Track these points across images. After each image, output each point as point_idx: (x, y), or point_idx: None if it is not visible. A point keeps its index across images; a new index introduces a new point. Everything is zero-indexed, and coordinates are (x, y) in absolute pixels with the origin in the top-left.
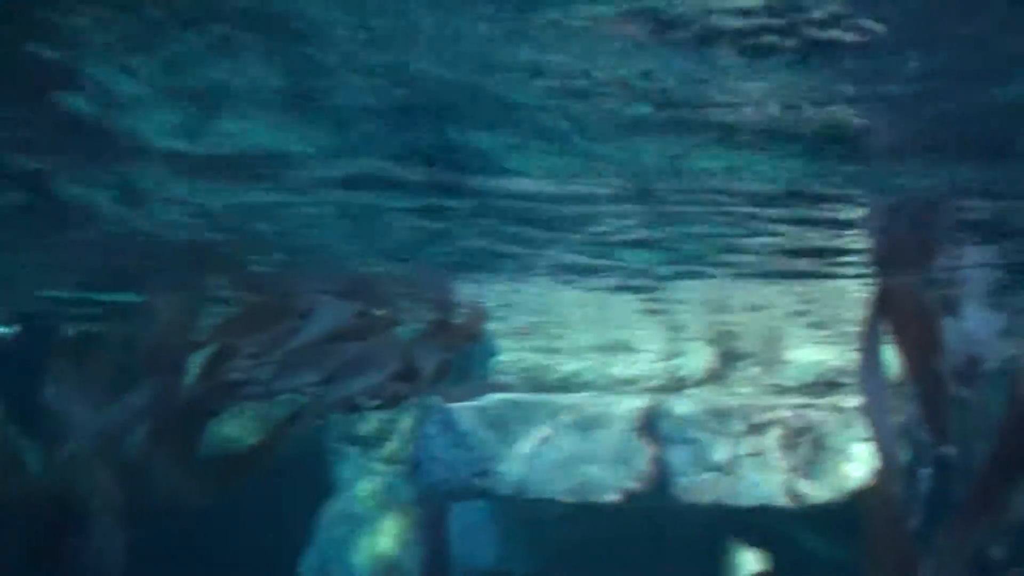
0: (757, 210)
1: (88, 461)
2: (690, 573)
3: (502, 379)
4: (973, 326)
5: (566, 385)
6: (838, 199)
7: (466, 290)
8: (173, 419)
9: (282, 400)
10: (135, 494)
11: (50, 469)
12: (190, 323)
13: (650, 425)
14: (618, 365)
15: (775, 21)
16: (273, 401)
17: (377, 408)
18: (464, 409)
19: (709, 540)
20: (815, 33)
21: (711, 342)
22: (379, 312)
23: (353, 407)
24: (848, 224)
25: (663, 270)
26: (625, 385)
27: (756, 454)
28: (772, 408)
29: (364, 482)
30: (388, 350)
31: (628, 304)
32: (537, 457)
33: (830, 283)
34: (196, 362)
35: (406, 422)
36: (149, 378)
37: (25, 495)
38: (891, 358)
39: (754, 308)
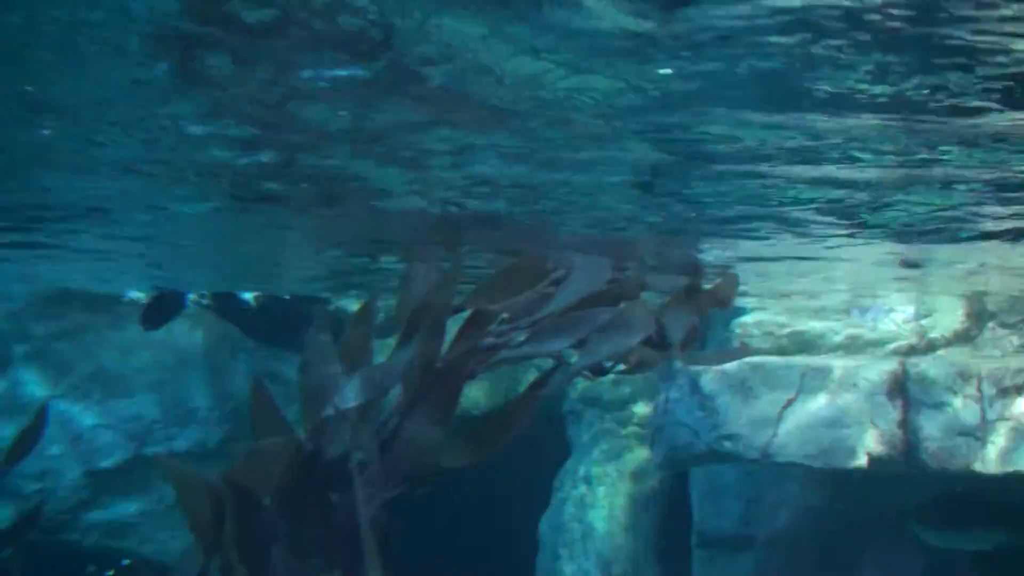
0: None
1: (347, 423)
2: (936, 540)
3: (747, 342)
4: None
5: (812, 347)
6: None
7: (714, 253)
8: (431, 382)
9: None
10: (393, 455)
11: (310, 431)
12: (449, 289)
13: (898, 388)
14: (866, 327)
15: None
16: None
17: (624, 372)
18: (708, 372)
19: (953, 507)
20: None
21: (961, 303)
22: (631, 277)
23: (602, 371)
24: None
25: (914, 229)
26: (873, 347)
27: (1007, 419)
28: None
29: (602, 444)
30: (640, 316)
31: (877, 264)
32: (782, 421)
33: None
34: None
35: (647, 385)
36: (407, 342)
37: (290, 457)
38: None
39: (1007, 269)
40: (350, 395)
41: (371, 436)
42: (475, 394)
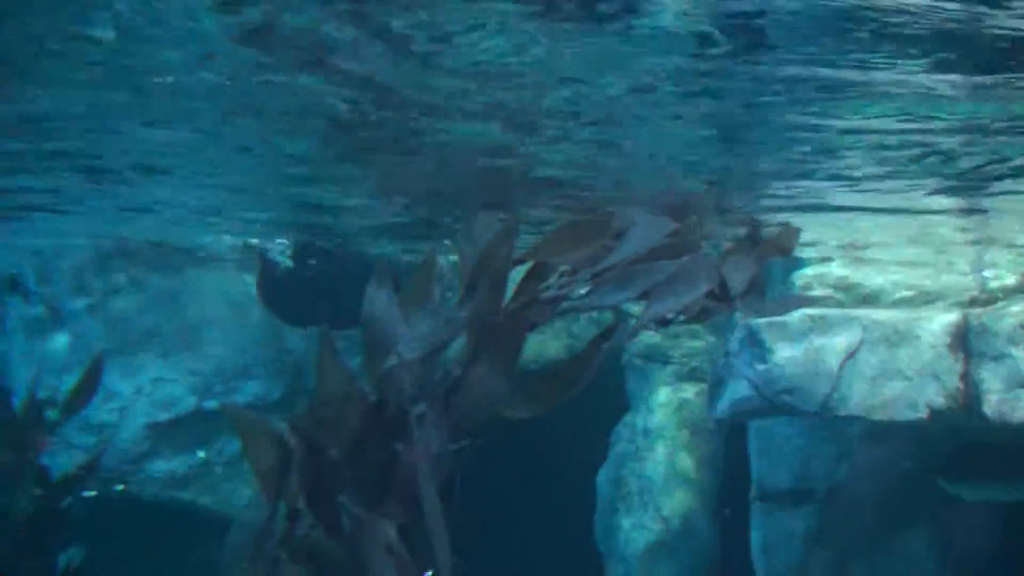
0: None
1: (410, 373)
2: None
3: (808, 294)
4: None
5: (874, 299)
6: None
7: (774, 203)
8: (493, 333)
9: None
10: (456, 405)
11: (374, 382)
12: (510, 240)
13: (960, 340)
14: (928, 278)
15: None
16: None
17: (685, 323)
18: (768, 324)
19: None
20: None
21: None
22: (692, 228)
23: (665, 323)
24: None
25: (975, 178)
26: (935, 299)
27: None
28: None
29: (661, 398)
30: (704, 267)
31: (940, 216)
32: (843, 374)
33: None
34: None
35: (704, 338)
36: (470, 293)
37: (355, 406)
38: None
39: None
40: (413, 345)
41: (434, 386)
42: (532, 348)
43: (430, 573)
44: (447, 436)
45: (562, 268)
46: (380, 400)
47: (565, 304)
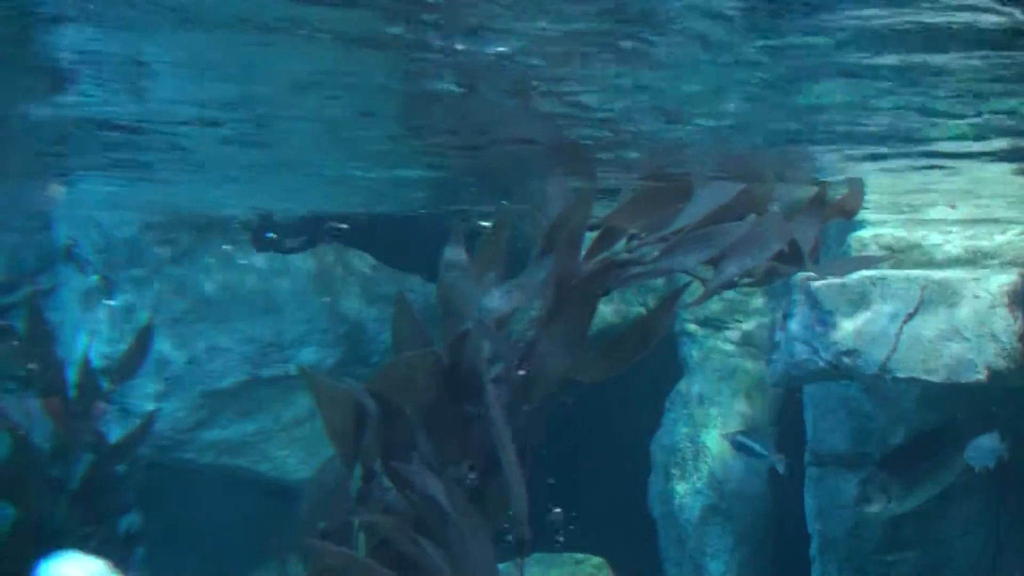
0: None
1: (485, 336)
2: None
3: (865, 254)
4: None
5: (931, 259)
6: None
7: (834, 164)
8: (567, 297)
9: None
10: (530, 368)
11: (448, 344)
12: (586, 205)
13: (1018, 299)
14: (985, 238)
15: None
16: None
17: (749, 285)
18: (825, 286)
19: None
20: None
21: None
22: (759, 190)
23: (730, 285)
24: None
25: None
26: (992, 259)
27: None
28: None
29: (715, 363)
30: (774, 228)
31: (997, 174)
32: (901, 336)
33: None
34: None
35: (758, 301)
36: (544, 258)
37: (429, 368)
38: None
39: None
40: (488, 308)
41: (508, 349)
42: None
43: None
44: (521, 398)
45: (632, 232)
46: (454, 363)
47: (636, 269)
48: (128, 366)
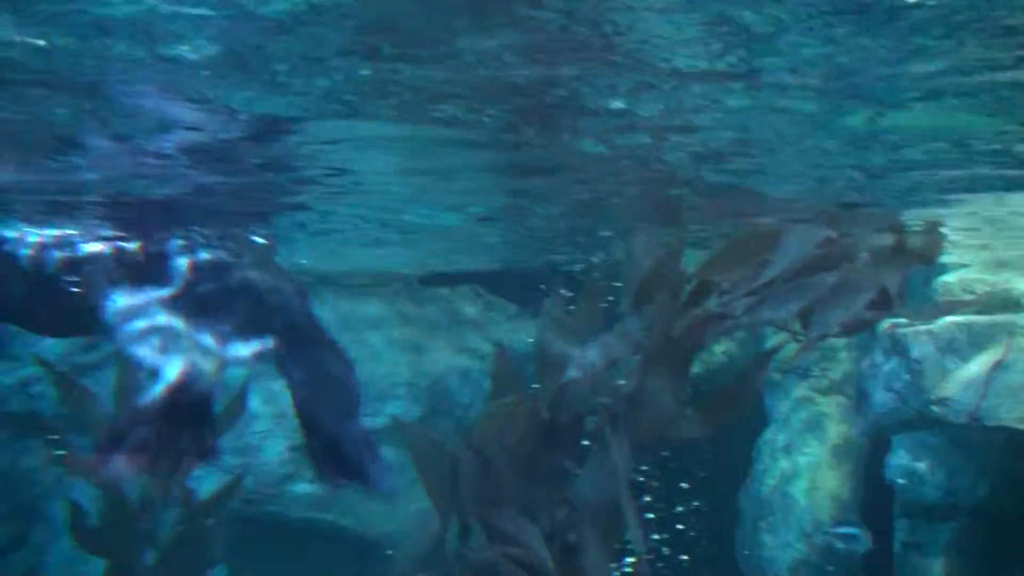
0: None
1: (583, 391)
2: None
3: (951, 300)
4: None
5: (1018, 304)
6: None
7: (916, 210)
8: (665, 350)
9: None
10: (629, 423)
11: (546, 398)
12: (679, 258)
13: None
14: None
15: None
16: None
17: (839, 336)
18: (912, 333)
19: None
20: None
21: None
22: (845, 238)
23: (822, 336)
24: None
25: None
26: None
27: None
28: None
29: (801, 413)
30: (864, 278)
31: None
32: (991, 382)
33: None
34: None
35: (844, 349)
36: (639, 312)
37: (526, 421)
38: None
39: None
40: (586, 362)
41: (606, 403)
42: None
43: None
44: (620, 452)
45: (724, 285)
46: (552, 416)
47: (729, 322)
48: (223, 422)
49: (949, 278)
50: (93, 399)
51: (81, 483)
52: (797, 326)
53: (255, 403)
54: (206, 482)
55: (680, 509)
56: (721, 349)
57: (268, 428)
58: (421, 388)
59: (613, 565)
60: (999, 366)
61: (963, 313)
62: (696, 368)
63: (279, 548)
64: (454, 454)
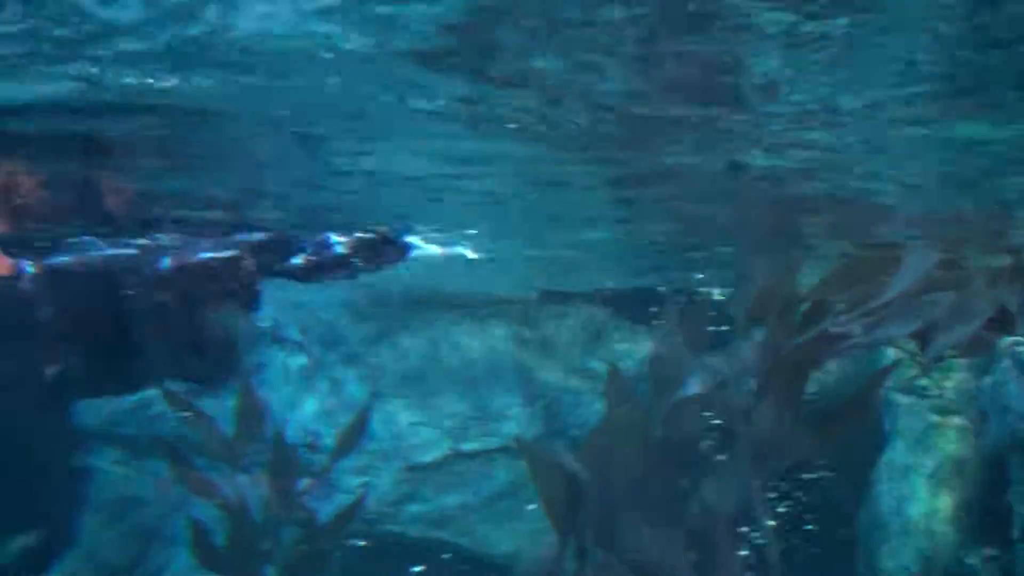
0: None
1: (698, 410)
2: None
3: None
4: None
5: None
6: None
7: None
8: (780, 370)
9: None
10: (745, 441)
11: (660, 418)
12: (794, 277)
13: None
14: None
15: None
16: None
17: (957, 356)
18: None
19: None
20: None
21: None
22: (963, 260)
23: (940, 358)
24: None
25: None
26: None
27: None
28: None
29: (919, 434)
30: (982, 297)
31: None
32: None
33: None
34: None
35: (960, 369)
36: (752, 330)
37: (642, 441)
38: None
39: None
40: (700, 381)
41: (722, 423)
42: None
43: None
44: (737, 471)
45: (844, 304)
46: (667, 435)
47: (846, 342)
48: (345, 444)
49: None
50: (211, 421)
51: (201, 503)
52: (913, 346)
53: (373, 424)
54: (326, 503)
55: (798, 530)
56: (833, 367)
57: (385, 448)
58: (535, 409)
59: None
60: None
61: None
62: (809, 386)
63: (396, 568)
64: (571, 473)
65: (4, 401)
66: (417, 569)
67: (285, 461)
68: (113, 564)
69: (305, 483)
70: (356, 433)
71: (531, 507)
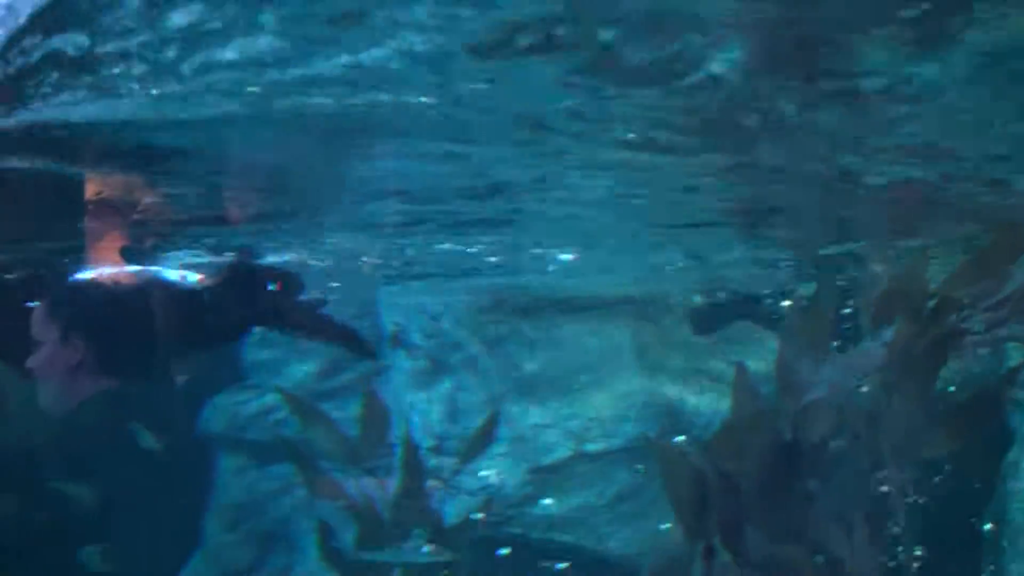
0: None
1: (826, 411)
2: None
3: None
4: None
5: None
6: None
7: None
8: (907, 369)
9: None
10: (874, 442)
11: (788, 419)
12: (923, 273)
13: None
14: None
15: None
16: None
17: None
18: None
19: None
20: None
21: None
22: None
23: None
24: None
25: None
26: None
27: None
28: None
29: None
30: None
31: None
32: None
33: None
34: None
35: None
36: (879, 327)
37: (769, 442)
38: None
39: None
40: (828, 381)
41: (851, 423)
42: None
43: None
44: (867, 472)
45: (971, 299)
46: (795, 437)
47: (975, 337)
48: (475, 446)
49: None
50: (334, 425)
51: (327, 506)
52: None
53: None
54: (450, 505)
55: (925, 530)
56: (957, 364)
57: (507, 451)
58: (657, 409)
59: None
60: None
61: None
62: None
63: (520, 569)
64: (700, 472)
65: (149, 404)
66: (542, 571)
67: (412, 463)
68: (237, 566)
69: (431, 485)
70: (487, 436)
71: (656, 507)
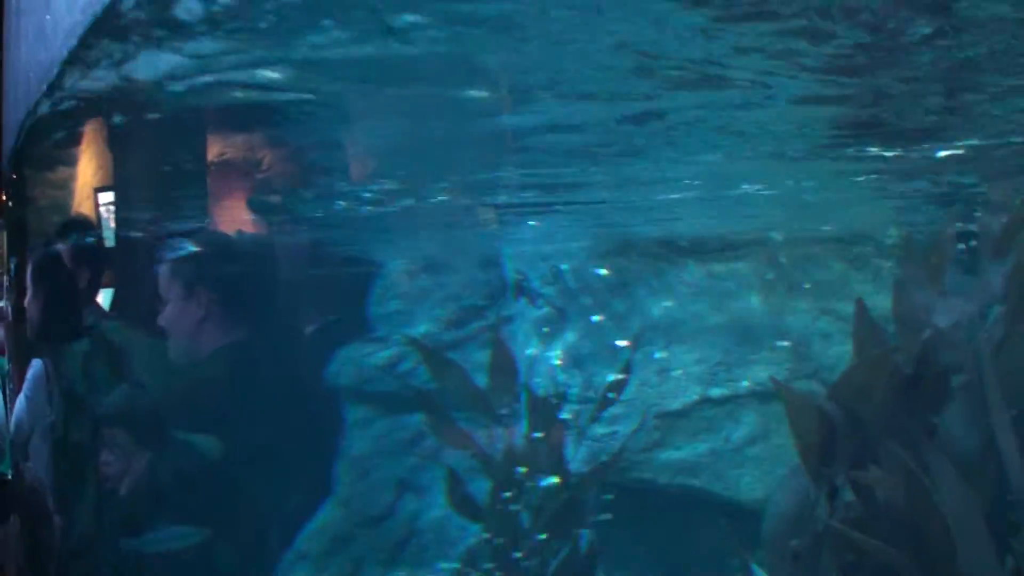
0: None
1: (946, 345)
2: None
3: None
4: None
5: None
6: None
7: None
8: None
9: None
10: (998, 374)
11: (908, 354)
12: None
13: None
14: None
15: None
16: None
17: None
18: None
19: None
20: None
21: None
22: None
23: None
24: None
25: None
26: None
27: None
28: None
29: None
30: None
31: None
32: None
33: None
34: None
35: None
36: (998, 260)
37: (891, 378)
38: None
39: None
40: (946, 316)
41: (973, 355)
42: None
43: None
44: (994, 406)
45: None
46: (916, 372)
47: None
48: (606, 395)
49: None
50: (463, 372)
51: (455, 454)
52: None
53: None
54: (579, 451)
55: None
56: None
57: (634, 396)
58: (784, 351)
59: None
60: None
61: None
62: None
63: (647, 514)
64: (825, 412)
65: (281, 357)
66: (669, 515)
67: (541, 411)
68: (367, 513)
69: (559, 432)
70: (619, 383)
71: (784, 451)
